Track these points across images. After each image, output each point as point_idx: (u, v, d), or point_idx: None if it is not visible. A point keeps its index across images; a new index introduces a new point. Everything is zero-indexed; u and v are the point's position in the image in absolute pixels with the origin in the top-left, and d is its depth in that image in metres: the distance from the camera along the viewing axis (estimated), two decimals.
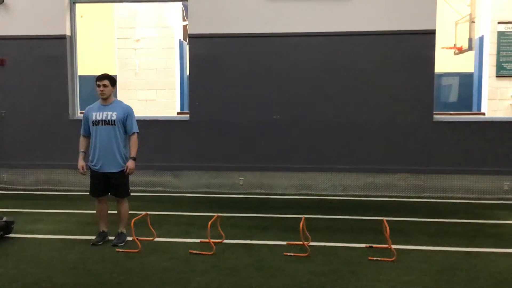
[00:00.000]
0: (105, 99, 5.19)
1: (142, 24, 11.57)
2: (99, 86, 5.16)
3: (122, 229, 5.26)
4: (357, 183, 7.84)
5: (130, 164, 5.19)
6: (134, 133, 5.26)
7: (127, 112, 5.22)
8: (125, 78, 11.62)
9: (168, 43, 11.58)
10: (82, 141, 5.37)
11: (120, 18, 11.64)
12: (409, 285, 3.98)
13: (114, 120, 5.13)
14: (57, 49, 8.17)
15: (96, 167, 5.26)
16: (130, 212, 6.41)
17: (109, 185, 5.28)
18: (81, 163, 5.36)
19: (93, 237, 5.28)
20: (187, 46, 10.23)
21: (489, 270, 4.33)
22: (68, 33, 8.22)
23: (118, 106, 5.24)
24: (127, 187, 5.37)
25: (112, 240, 5.19)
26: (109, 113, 5.14)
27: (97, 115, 5.16)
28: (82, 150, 5.37)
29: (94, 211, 6.60)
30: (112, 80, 5.24)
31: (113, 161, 5.20)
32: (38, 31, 8.15)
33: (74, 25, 8.35)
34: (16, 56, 8.22)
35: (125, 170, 5.18)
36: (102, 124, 5.13)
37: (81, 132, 5.35)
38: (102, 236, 5.24)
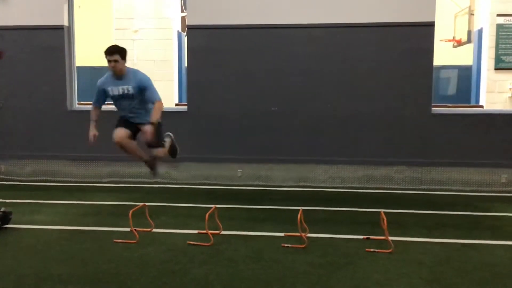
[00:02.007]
0: (117, 73, 4.94)
1: (140, 15, 11.53)
2: (109, 61, 4.90)
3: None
4: (355, 175, 7.85)
5: (148, 128, 4.85)
6: (156, 101, 4.99)
7: (143, 85, 4.95)
8: None
9: (166, 34, 11.55)
10: (93, 111, 5.22)
11: (118, 9, 11.60)
12: (406, 276, 4.00)
13: (132, 94, 4.91)
14: (54, 40, 8.13)
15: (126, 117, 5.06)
16: (127, 203, 6.44)
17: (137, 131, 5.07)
18: (92, 131, 5.20)
19: (90, 228, 5.28)
20: (185, 38, 10.21)
21: (486, 262, 4.34)
22: (66, 23, 8.18)
23: (133, 78, 4.97)
24: (161, 138, 5.17)
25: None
26: (125, 87, 4.92)
27: (113, 90, 4.94)
28: (94, 119, 5.23)
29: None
30: (122, 52, 4.97)
31: (143, 118, 5.04)
32: (35, 22, 8.10)
33: (72, 16, 8.31)
34: (14, 46, 8.18)
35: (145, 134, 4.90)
36: (121, 99, 4.93)
37: (93, 103, 5.17)
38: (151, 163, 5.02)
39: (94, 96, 5.23)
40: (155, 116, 4.92)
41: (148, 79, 5.03)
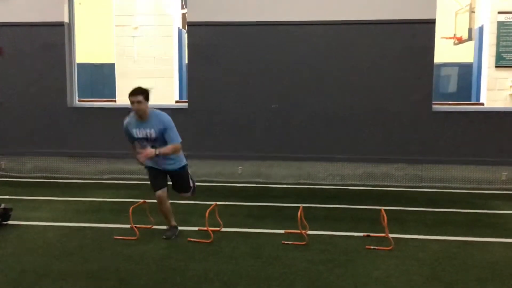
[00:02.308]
0: (141, 115, 4.91)
1: (141, 12, 11.50)
2: (133, 103, 4.85)
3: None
4: (355, 173, 7.84)
5: (149, 151, 4.81)
6: (175, 143, 4.96)
7: (164, 127, 4.90)
8: (123, 66, 11.57)
9: (166, 31, 11.52)
10: (131, 144, 5.18)
11: (118, 5, 11.58)
12: (406, 273, 4.00)
13: (154, 138, 4.89)
14: (55, 36, 8.12)
15: (154, 166, 5.05)
16: (128, 200, 6.44)
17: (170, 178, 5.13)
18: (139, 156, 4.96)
19: (90, 225, 5.28)
20: (186, 34, 10.20)
21: (486, 260, 4.34)
22: (66, 20, 8.17)
23: (155, 121, 4.92)
24: (190, 181, 5.23)
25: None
26: (147, 131, 4.89)
27: (137, 132, 4.92)
28: (133, 148, 5.16)
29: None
30: (146, 94, 4.91)
31: (168, 164, 5.03)
32: (36, 18, 8.09)
33: (72, 12, 8.30)
34: (14, 43, 8.17)
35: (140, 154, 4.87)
36: (144, 141, 4.92)
37: (128, 140, 5.16)
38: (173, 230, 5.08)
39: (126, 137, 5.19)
40: (163, 150, 4.86)
41: (170, 121, 4.97)
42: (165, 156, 4.92)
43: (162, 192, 4.94)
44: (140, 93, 4.85)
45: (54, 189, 7.35)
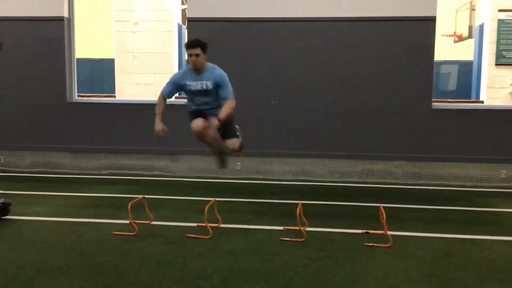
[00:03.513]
0: (198, 68, 4.82)
1: (141, 7, 11.48)
2: (190, 55, 4.75)
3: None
4: (354, 170, 7.85)
5: (214, 122, 4.76)
6: (230, 99, 4.90)
7: (220, 81, 4.86)
8: (123, 61, 11.56)
9: (166, 27, 11.50)
10: (160, 104, 5.06)
11: (118, 0, 11.55)
12: (404, 271, 4.00)
13: (210, 90, 4.84)
14: (55, 31, 8.11)
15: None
16: (127, 195, 6.44)
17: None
18: (160, 125, 5.00)
19: (89, 220, 5.28)
20: (186, 30, 10.18)
21: (484, 257, 4.35)
22: (66, 15, 8.14)
23: (211, 74, 4.87)
24: (234, 129, 5.12)
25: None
26: (204, 82, 4.82)
27: (192, 85, 4.84)
28: (159, 112, 5.06)
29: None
30: (204, 46, 4.82)
31: (215, 111, 4.94)
32: (36, 13, 8.07)
33: (72, 7, 8.28)
34: (13, 37, 8.15)
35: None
36: (198, 94, 4.84)
37: (163, 93, 5.03)
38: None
39: (165, 88, 5.07)
40: (223, 113, 4.77)
41: (226, 76, 4.92)
42: (208, 105, 4.91)
43: (198, 125, 4.84)
44: (198, 45, 4.77)
45: (53, 184, 7.34)
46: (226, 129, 5.05)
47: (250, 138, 7.88)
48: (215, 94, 4.90)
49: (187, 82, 4.90)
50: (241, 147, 5.21)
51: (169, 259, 4.21)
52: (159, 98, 5.14)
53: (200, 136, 4.92)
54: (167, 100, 5.18)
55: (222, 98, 4.89)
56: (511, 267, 4.13)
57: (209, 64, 4.95)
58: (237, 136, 5.15)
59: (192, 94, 4.95)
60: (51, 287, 3.59)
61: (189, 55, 4.79)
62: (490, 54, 9.96)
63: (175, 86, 5.03)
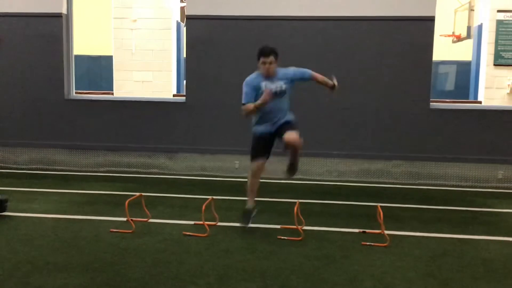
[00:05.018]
0: (269, 75, 4.82)
1: (139, 4, 11.47)
2: (264, 63, 4.75)
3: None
4: (352, 169, 7.85)
5: (334, 83, 4.98)
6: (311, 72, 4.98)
7: (292, 73, 4.91)
8: (121, 58, 11.54)
9: (165, 24, 11.49)
10: (247, 107, 4.92)
11: None
12: (401, 270, 4.01)
13: (284, 89, 4.84)
14: (53, 28, 8.08)
15: (266, 131, 4.97)
16: (124, 193, 6.44)
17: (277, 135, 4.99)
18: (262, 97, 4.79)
19: (86, 217, 5.28)
20: (184, 28, 10.17)
21: (481, 257, 4.36)
22: (64, 11, 8.12)
23: (283, 74, 4.89)
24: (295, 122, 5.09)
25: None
26: (278, 84, 4.82)
27: (267, 86, 4.81)
28: (252, 105, 4.90)
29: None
30: (277, 54, 4.81)
31: (284, 117, 5.01)
32: (34, 9, 8.05)
33: (71, 4, 8.26)
34: (11, 33, 8.13)
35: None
36: (273, 97, 4.78)
37: (246, 101, 4.90)
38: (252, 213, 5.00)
39: (245, 95, 4.93)
40: (329, 80, 4.97)
41: (291, 68, 4.98)
42: (281, 109, 4.94)
43: (263, 163, 4.90)
44: (272, 53, 4.76)
45: (50, 181, 7.33)
46: (288, 127, 4.97)
47: (248, 136, 7.88)
48: (287, 96, 4.91)
49: (262, 84, 4.86)
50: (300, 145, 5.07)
51: (166, 256, 4.21)
52: (245, 108, 4.94)
53: (254, 175, 4.97)
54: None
55: (306, 78, 5.01)
56: (508, 267, 4.14)
57: (277, 68, 4.96)
58: (296, 129, 5.04)
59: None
60: (47, 284, 3.59)
61: (263, 63, 4.77)
62: (488, 55, 9.98)
63: (253, 89, 4.89)
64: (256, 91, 4.89)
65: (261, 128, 5.02)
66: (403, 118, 7.67)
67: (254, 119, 5.09)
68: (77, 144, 8.22)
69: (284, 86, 4.87)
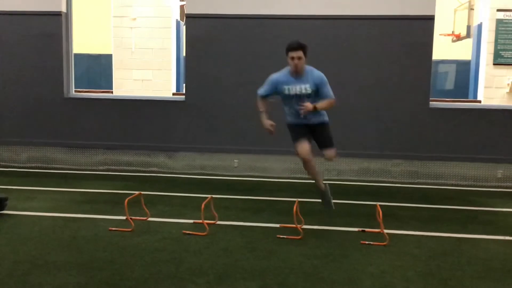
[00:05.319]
0: (298, 71, 4.72)
1: (139, 3, 11.46)
2: (292, 58, 4.65)
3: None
4: (351, 168, 7.85)
5: (309, 105, 4.67)
6: (331, 98, 4.81)
7: (320, 82, 4.75)
8: (120, 57, 11.54)
9: (165, 23, 11.49)
10: (261, 102, 5.00)
11: None
12: (400, 269, 4.01)
13: (308, 94, 4.75)
14: (52, 26, 8.07)
15: (298, 122, 4.92)
16: (123, 191, 6.44)
17: (313, 135, 4.94)
18: (267, 122, 4.98)
19: (86, 216, 5.28)
20: (184, 26, 10.16)
21: (480, 257, 4.36)
22: (63, 9, 8.11)
23: (310, 76, 4.76)
24: (332, 138, 5.04)
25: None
26: (303, 86, 4.73)
27: (290, 89, 4.76)
28: (262, 109, 5.03)
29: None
30: (306, 49, 4.69)
31: (315, 117, 4.89)
32: (33, 7, 8.04)
33: (70, 2, 8.25)
34: (11, 32, 8.12)
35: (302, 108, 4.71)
36: (296, 98, 4.74)
37: (261, 93, 4.97)
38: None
39: (261, 88, 5.00)
40: (321, 104, 4.73)
41: (325, 77, 4.83)
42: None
43: (306, 143, 4.77)
44: (301, 48, 4.66)
45: (49, 180, 7.33)
46: (325, 136, 4.99)
47: (247, 135, 7.91)
48: (313, 97, 4.80)
49: (285, 86, 4.81)
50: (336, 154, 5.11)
51: (165, 255, 4.21)
52: (258, 99, 5.08)
53: (306, 162, 4.84)
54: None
55: (322, 99, 4.79)
56: (507, 266, 4.14)
57: (307, 67, 4.84)
58: (334, 146, 5.06)
59: (289, 99, 4.85)
60: (46, 282, 3.59)
61: (291, 58, 4.69)
62: (488, 54, 9.97)
63: (273, 86, 4.91)
64: (276, 88, 4.89)
65: (292, 119, 4.99)
66: (402, 117, 7.67)
67: (285, 110, 5.06)
68: (76, 142, 8.22)
69: (309, 89, 4.77)
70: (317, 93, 4.81)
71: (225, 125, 7.93)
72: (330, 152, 5.03)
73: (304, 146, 4.80)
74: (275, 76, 4.94)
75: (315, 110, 4.73)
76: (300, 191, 6.94)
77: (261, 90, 5.03)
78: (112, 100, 8.51)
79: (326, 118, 5.06)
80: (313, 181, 5.00)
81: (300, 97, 4.80)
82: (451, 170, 7.69)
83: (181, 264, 4.00)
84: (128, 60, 11.51)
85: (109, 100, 8.54)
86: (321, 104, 4.77)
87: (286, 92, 4.83)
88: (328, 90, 4.83)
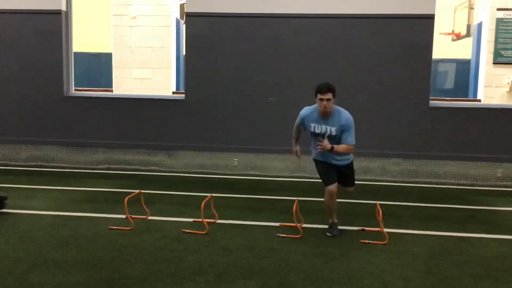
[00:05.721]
0: (325, 113, 4.77)
1: (139, 2, 11.46)
2: (321, 100, 4.69)
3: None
4: None
5: (327, 144, 4.70)
6: (350, 144, 4.82)
7: (345, 126, 4.76)
8: (120, 55, 11.54)
9: (164, 22, 11.49)
10: (295, 130, 5.21)
11: None
12: (400, 268, 4.01)
13: (334, 135, 4.79)
14: (52, 25, 8.06)
15: (324, 160, 4.98)
16: (123, 190, 6.43)
17: (338, 173, 5.01)
18: (295, 148, 5.25)
19: (86, 214, 5.28)
20: (184, 25, 10.16)
21: (479, 255, 4.36)
22: (63, 8, 8.11)
23: (337, 119, 4.79)
24: (354, 178, 5.18)
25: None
26: (328, 127, 4.78)
27: (316, 128, 4.83)
28: (295, 136, 5.24)
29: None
30: (335, 92, 4.75)
31: (341, 160, 4.96)
32: (33, 6, 8.03)
33: (70, 1, 8.24)
34: (10, 30, 8.11)
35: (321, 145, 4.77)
36: (321, 137, 4.80)
37: (295, 123, 5.15)
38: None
39: (296, 121, 5.13)
40: (339, 147, 4.76)
41: (352, 121, 4.83)
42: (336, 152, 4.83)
43: (334, 187, 4.86)
44: (330, 91, 4.70)
45: (49, 178, 7.33)
46: (349, 178, 5.10)
47: (247, 134, 7.91)
48: (338, 139, 4.83)
49: (311, 124, 4.88)
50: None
51: (165, 254, 4.21)
52: (295, 128, 5.26)
53: (331, 197, 4.90)
54: None
55: (342, 142, 4.82)
56: (506, 265, 4.14)
57: (336, 108, 4.87)
58: (354, 185, 5.20)
59: (314, 135, 4.93)
60: (46, 281, 3.59)
61: (320, 99, 4.73)
62: (488, 53, 9.98)
63: (301, 121, 5.03)
64: (303, 123, 5.02)
65: (318, 155, 5.03)
66: (402, 116, 7.67)
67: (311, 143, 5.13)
68: (76, 141, 8.22)
69: (334, 132, 4.81)
70: (341, 135, 4.85)
71: (224, 123, 7.92)
72: (350, 189, 5.22)
73: (334, 190, 4.89)
74: (304, 112, 5.02)
75: (331, 151, 4.77)
76: (300, 190, 6.95)
77: (296, 123, 5.18)
78: (112, 99, 8.51)
79: (350, 159, 5.08)
80: (328, 211, 5.01)
81: (324, 136, 4.84)
82: (451, 169, 7.69)
83: (181, 263, 4.00)
84: (128, 59, 11.52)
85: (109, 98, 8.53)
86: (338, 147, 4.77)
87: (312, 129, 4.91)
88: (350, 135, 4.83)
